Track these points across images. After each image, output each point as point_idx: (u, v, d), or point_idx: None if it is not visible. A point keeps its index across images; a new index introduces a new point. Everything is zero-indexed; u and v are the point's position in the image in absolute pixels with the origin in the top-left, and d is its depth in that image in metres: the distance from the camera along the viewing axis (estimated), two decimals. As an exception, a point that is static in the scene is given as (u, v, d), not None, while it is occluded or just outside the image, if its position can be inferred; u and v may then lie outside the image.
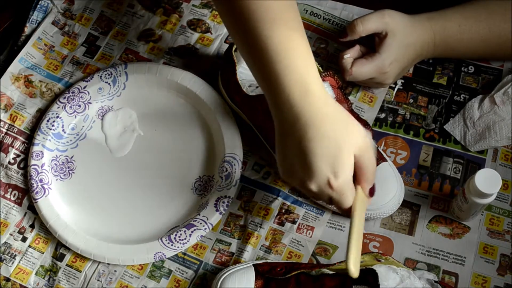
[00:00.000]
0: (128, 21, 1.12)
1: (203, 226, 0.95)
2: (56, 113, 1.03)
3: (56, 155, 1.02)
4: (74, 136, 1.04)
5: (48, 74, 1.09)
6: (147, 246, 0.94)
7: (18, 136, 1.04)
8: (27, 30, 1.12)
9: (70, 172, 1.02)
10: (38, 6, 1.12)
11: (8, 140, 1.04)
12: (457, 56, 1.03)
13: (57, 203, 0.98)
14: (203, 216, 0.95)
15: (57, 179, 1.01)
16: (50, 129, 1.02)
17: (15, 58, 1.09)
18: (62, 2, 1.14)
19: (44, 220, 0.97)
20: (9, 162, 1.03)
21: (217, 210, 0.96)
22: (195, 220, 0.95)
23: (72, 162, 1.02)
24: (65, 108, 1.03)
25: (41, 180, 0.99)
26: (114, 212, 0.99)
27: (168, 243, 0.94)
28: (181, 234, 0.94)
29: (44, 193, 0.99)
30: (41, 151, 1.01)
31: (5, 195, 1.01)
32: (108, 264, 0.96)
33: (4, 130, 1.05)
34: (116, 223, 0.98)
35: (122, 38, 1.11)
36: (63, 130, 1.03)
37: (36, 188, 0.99)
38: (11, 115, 1.06)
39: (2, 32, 1.14)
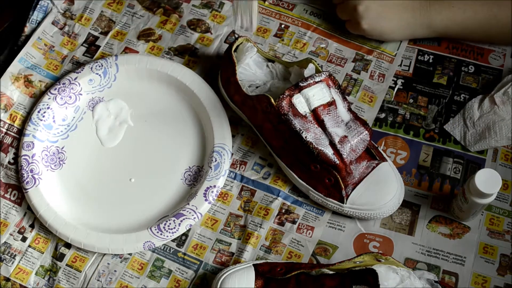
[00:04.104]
0: (128, 21, 1.12)
1: (192, 215, 0.95)
2: (47, 104, 1.03)
3: (47, 146, 1.02)
4: (65, 127, 1.04)
5: (48, 74, 1.09)
6: (136, 236, 0.95)
7: (18, 136, 1.04)
8: (27, 30, 1.12)
9: (61, 162, 1.02)
10: (38, 6, 1.12)
11: (8, 140, 1.04)
12: (456, 27, 1.02)
13: (47, 193, 0.99)
14: (192, 205, 0.96)
15: (47, 170, 1.01)
16: (41, 120, 1.03)
17: (15, 58, 1.09)
18: (62, 2, 1.14)
19: (35, 209, 0.98)
20: (9, 162, 1.03)
21: (206, 200, 0.96)
22: (184, 210, 0.96)
23: (63, 153, 1.03)
24: (55, 99, 1.04)
25: (31, 170, 1.00)
26: (104, 202, 0.99)
27: (157, 232, 0.95)
28: (170, 223, 0.95)
29: (34, 183, 0.99)
30: (32, 142, 1.01)
31: (5, 195, 1.01)
32: (108, 264, 0.96)
33: (4, 130, 1.05)
34: (106, 213, 0.99)
35: (122, 38, 1.11)
36: (53, 121, 1.03)
37: (26, 178, 0.99)
38: (11, 115, 1.06)
39: (2, 32, 1.14)
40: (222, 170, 0.98)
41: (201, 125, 1.03)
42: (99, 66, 1.05)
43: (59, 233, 0.96)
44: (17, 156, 1.03)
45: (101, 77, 1.05)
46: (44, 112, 1.03)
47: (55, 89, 1.04)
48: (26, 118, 1.05)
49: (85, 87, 1.05)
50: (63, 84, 1.04)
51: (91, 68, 1.05)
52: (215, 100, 1.02)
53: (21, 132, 1.04)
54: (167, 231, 0.95)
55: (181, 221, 0.95)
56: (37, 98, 1.06)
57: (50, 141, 1.03)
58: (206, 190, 0.97)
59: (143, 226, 0.96)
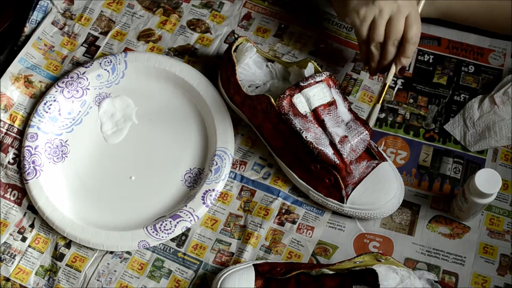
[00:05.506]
0: (127, 21, 1.12)
1: (189, 217, 0.95)
2: (54, 97, 1.03)
3: (51, 138, 1.03)
4: (70, 120, 1.04)
5: (48, 74, 1.09)
6: (132, 234, 0.95)
7: (18, 136, 1.04)
8: (27, 30, 1.11)
9: (64, 156, 1.02)
10: (38, 6, 1.12)
11: (8, 140, 1.04)
12: (460, 5, 1.01)
13: (47, 185, 0.99)
14: (190, 207, 0.96)
15: (49, 162, 1.01)
16: (47, 112, 1.03)
17: (15, 58, 1.09)
18: (62, 2, 1.14)
19: (34, 201, 0.98)
20: (8, 162, 1.03)
21: (203, 203, 0.96)
22: (181, 211, 0.96)
23: (66, 146, 1.03)
24: (62, 92, 1.04)
25: (33, 162, 1.00)
26: (103, 198, 1.00)
27: (153, 232, 0.95)
28: (166, 224, 0.95)
29: (35, 175, 0.99)
30: (36, 133, 1.02)
31: (5, 195, 1.01)
32: (108, 264, 0.96)
33: (4, 130, 1.05)
34: (104, 209, 0.99)
35: (122, 38, 1.11)
36: (59, 114, 1.04)
37: (28, 169, 0.99)
38: (11, 115, 1.05)
39: (2, 32, 1.14)
40: (222, 174, 0.98)
41: (204, 127, 1.03)
42: (108, 62, 1.05)
43: (56, 226, 0.96)
44: (17, 156, 1.03)
45: (109, 73, 1.06)
46: (50, 105, 1.03)
47: (63, 82, 1.04)
48: (26, 119, 1.05)
49: (93, 82, 1.05)
50: (71, 77, 1.05)
51: (100, 63, 1.05)
52: (220, 103, 1.02)
53: (21, 132, 1.04)
54: (162, 231, 0.95)
55: (177, 222, 0.95)
56: (37, 99, 1.07)
57: (55, 133, 1.03)
58: (204, 193, 0.97)
59: (139, 225, 0.96)
